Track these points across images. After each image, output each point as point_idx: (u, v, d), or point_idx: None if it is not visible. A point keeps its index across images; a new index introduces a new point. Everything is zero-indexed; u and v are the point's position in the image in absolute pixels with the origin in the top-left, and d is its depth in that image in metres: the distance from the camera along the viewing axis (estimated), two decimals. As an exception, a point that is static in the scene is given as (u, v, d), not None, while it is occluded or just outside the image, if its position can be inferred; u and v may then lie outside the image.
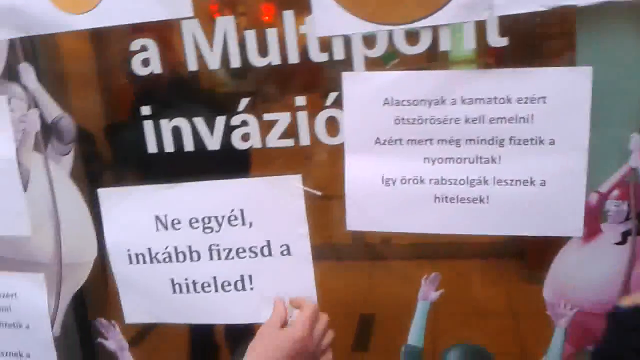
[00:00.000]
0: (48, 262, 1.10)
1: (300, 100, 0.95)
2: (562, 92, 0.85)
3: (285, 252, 1.01)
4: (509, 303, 1.15)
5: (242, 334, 1.02)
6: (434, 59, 0.91)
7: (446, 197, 0.93)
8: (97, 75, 1.17)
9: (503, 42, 0.85)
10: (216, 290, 1.04)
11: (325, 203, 1.00)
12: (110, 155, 1.07)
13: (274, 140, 0.97)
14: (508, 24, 0.84)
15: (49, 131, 1.04)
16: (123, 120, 1.06)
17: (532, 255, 1.21)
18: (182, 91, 1.01)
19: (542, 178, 0.89)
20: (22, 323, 1.14)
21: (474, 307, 1.16)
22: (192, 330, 1.30)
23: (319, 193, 0.98)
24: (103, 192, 1.04)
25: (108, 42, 1.07)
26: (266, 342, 0.87)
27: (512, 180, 0.90)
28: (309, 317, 0.89)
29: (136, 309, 1.09)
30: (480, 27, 0.85)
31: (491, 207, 0.92)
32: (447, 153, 0.91)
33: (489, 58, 0.89)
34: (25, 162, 1.05)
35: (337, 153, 0.95)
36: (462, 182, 0.92)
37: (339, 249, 1.33)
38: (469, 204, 0.93)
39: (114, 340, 1.13)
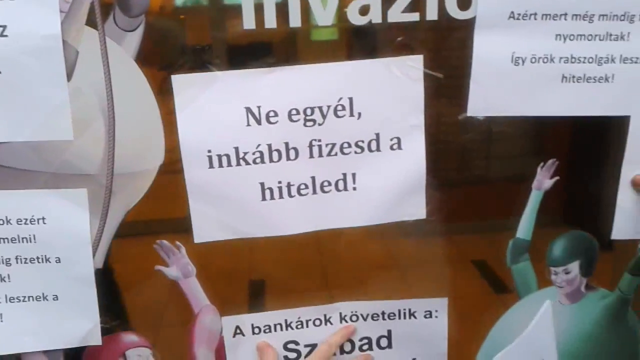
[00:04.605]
0: (94, 173, 0.87)
1: (432, -33, 0.84)
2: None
3: (395, 147, 0.91)
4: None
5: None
6: None
7: (574, 77, 0.90)
8: None
9: None
10: (314, 192, 0.91)
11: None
12: (191, 34, 0.86)
13: (397, 14, 0.85)
14: None
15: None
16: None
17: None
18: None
19: (667, 54, 0.90)
20: (50, 256, 0.89)
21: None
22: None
23: (440, 75, 0.89)
24: (178, 79, 0.84)
25: None
26: None
27: (638, 58, 0.89)
28: None
29: (211, 224, 0.90)
30: None
31: (615, 86, 0.90)
32: (579, 29, 0.88)
33: None
34: (73, 41, 0.81)
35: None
36: (590, 60, 0.89)
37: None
38: (595, 84, 0.90)
39: (178, 265, 0.93)
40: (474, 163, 1.05)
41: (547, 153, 0.97)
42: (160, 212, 0.93)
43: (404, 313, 1.00)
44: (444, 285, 1.03)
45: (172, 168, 0.88)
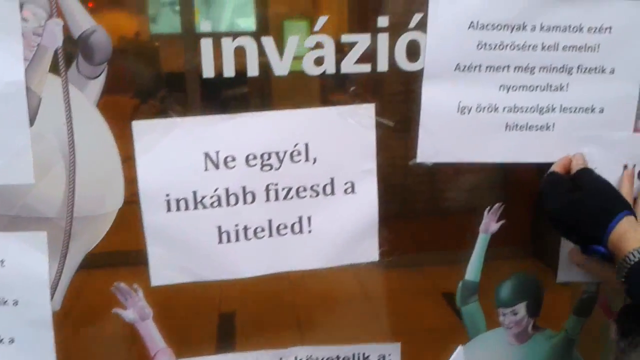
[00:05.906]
0: (53, 216, 0.89)
1: (383, 21, 0.89)
2: (627, 24, 0.92)
3: (349, 191, 0.94)
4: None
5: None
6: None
7: (517, 125, 0.95)
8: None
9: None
10: (270, 235, 0.93)
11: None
12: (151, 81, 0.89)
13: (349, 65, 0.90)
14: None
15: (74, 48, 0.84)
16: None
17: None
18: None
19: (601, 105, 0.95)
20: (7, 299, 0.90)
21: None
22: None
23: (391, 124, 0.94)
24: (139, 125, 0.87)
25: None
26: None
27: (576, 108, 0.95)
28: None
29: (168, 267, 0.92)
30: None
31: (556, 134, 0.96)
32: (521, 81, 0.93)
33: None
34: (36, 88, 0.84)
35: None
36: (532, 109, 0.94)
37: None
38: (536, 132, 0.95)
39: (135, 308, 0.94)
40: (443, 195, 1.08)
41: (516, 183, 1.01)
42: (121, 244, 0.94)
43: (358, 357, 1.02)
44: (414, 318, 1.05)
45: (132, 199, 0.90)
